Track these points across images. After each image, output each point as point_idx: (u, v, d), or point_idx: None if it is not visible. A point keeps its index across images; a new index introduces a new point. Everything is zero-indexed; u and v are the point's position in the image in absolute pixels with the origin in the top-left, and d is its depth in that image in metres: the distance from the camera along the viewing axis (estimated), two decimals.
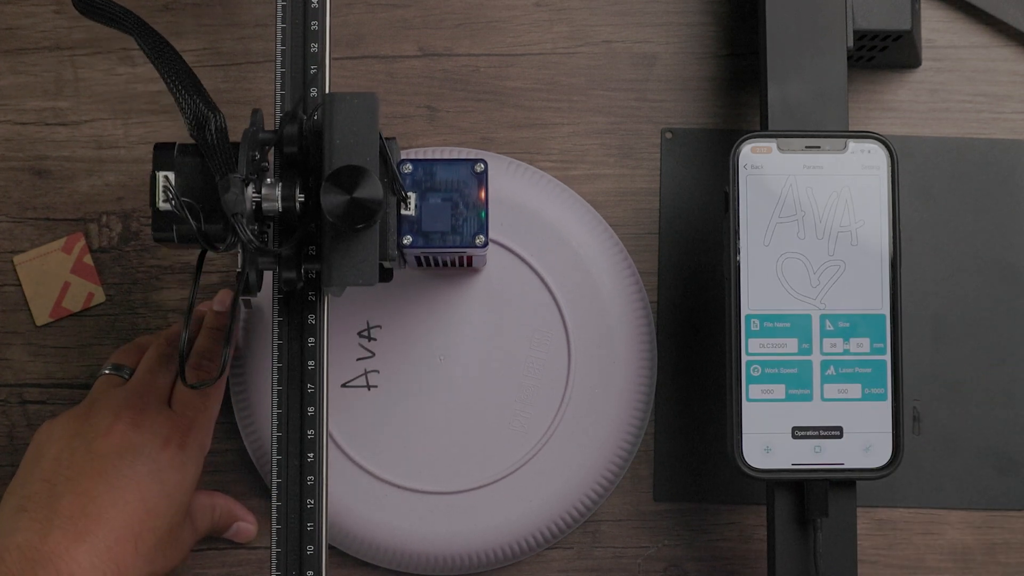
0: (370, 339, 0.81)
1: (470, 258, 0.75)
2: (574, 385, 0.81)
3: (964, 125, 0.84)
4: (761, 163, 0.75)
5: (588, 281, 0.81)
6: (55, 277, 0.84)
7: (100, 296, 0.84)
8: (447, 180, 0.72)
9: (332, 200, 0.66)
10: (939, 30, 0.85)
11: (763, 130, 0.77)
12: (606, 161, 0.84)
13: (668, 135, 0.84)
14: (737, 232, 0.74)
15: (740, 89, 0.85)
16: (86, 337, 0.84)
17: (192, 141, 0.69)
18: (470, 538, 0.80)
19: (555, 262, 0.81)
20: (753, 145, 0.75)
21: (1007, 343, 0.83)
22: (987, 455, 0.82)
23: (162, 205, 0.68)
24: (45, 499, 0.72)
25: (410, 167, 0.71)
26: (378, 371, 0.81)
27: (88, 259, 0.84)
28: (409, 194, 0.71)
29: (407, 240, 0.71)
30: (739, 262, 0.74)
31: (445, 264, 0.77)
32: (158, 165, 0.69)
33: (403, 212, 0.71)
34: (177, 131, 0.84)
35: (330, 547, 0.82)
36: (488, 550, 0.81)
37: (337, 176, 0.66)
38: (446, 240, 0.71)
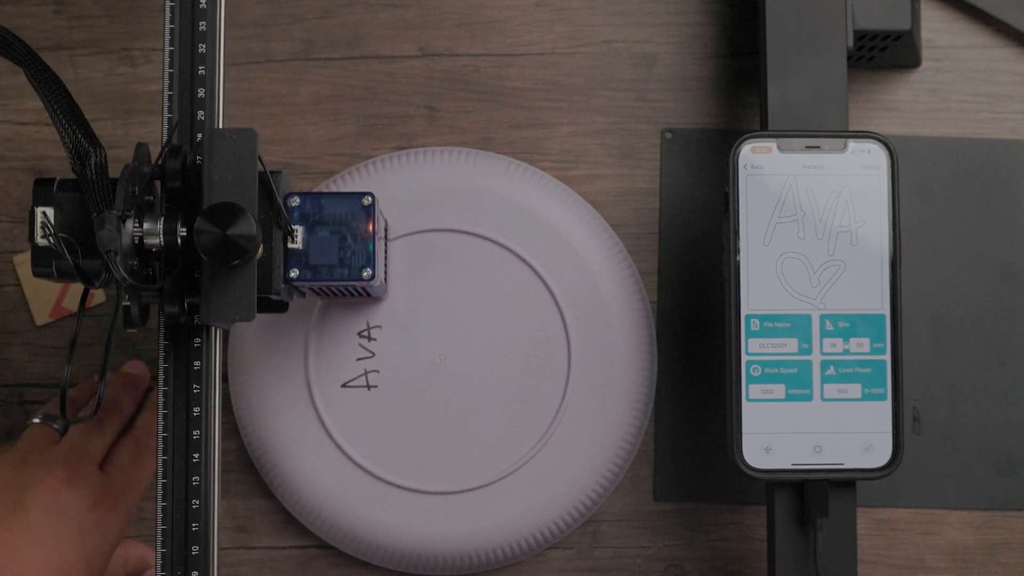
0: (370, 339, 0.81)
1: (366, 289, 0.75)
2: (574, 385, 0.81)
3: (964, 125, 0.84)
4: (761, 163, 0.75)
5: (588, 281, 0.81)
6: None
7: (100, 296, 0.84)
8: (335, 213, 0.72)
9: (205, 237, 0.66)
10: (939, 30, 0.85)
11: (763, 130, 0.77)
12: (606, 161, 0.84)
13: (668, 135, 0.84)
14: (737, 232, 0.74)
15: (740, 89, 0.85)
16: (86, 337, 0.84)
17: (73, 176, 0.69)
18: (470, 538, 0.80)
19: (555, 262, 0.81)
20: (753, 145, 0.75)
21: (1007, 343, 0.83)
22: (987, 455, 0.82)
23: (40, 241, 0.69)
24: None
25: (297, 200, 0.72)
26: (378, 371, 0.81)
27: None
28: (295, 227, 0.71)
29: (294, 273, 0.71)
30: (739, 262, 0.74)
31: (342, 294, 0.77)
32: (37, 201, 0.69)
33: (290, 245, 0.71)
34: None
35: (329, 547, 0.82)
36: (488, 550, 0.81)
37: (210, 213, 0.66)
38: (333, 273, 0.71)
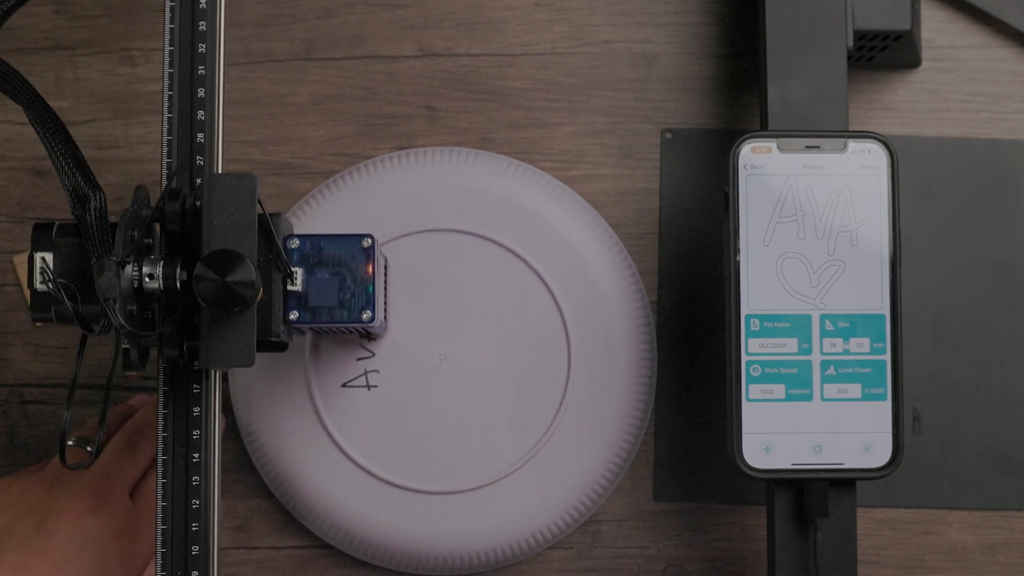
0: (370, 339, 0.81)
1: (366, 329, 0.75)
2: (574, 385, 0.81)
3: (964, 125, 0.84)
4: (761, 163, 0.75)
5: (588, 281, 0.81)
6: None
7: None
8: (334, 255, 0.72)
9: (205, 285, 0.65)
10: (939, 30, 0.85)
11: (763, 130, 0.77)
12: (606, 161, 0.84)
13: (668, 135, 0.84)
14: (737, 232, 0.74)
15: (740, 89, 0.85)
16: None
17: (72, 219, 0.69)
18: (470, 538, 0.80)
19: (555, 262, 0.81)
20: (753, 145, 0.75)
21: (1007, 343, 0.83)
22: (987, 455, 0.82)
23: (39, 287, 0.69)
24: None
25: (297, 242, 0.71)
26: (378, 371, 0.81)
27: None
28: (295, 270, 0.71)
29: (294, 315, 0.71)
30: (739, 262, 0.74)
31: (342, 332, 0.77)
32: (36, 246, 0.69)
33: (289, 288, 0.71)
34: None
35: (329, 547, 0.82)
36: (488, 550, 0.81)
37: (209, 260, 0.66)
38: (333, 316, 0.71)
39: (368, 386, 0.81)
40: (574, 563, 0.83)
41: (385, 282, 0.77)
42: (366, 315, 0.72)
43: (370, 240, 0.72)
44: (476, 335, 0.81)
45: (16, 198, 0.85)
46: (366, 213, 0.81)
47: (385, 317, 0.77)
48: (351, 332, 0.77)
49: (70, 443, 0.78)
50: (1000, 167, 0.84)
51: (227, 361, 0.67)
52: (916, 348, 0.82)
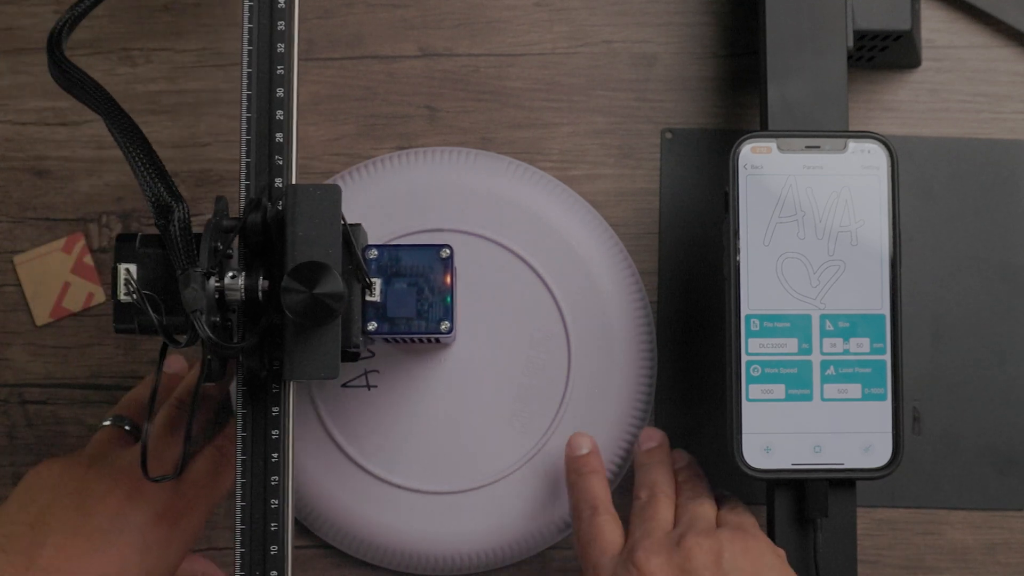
0: (370, 339, 0.81)
1: (437, 337, 0.75)
2: (574, 385, 0.81)
3: (964, 125, 0.84)
4: (761, 163, 0.75)
5: (588, 281, 0.81)
6: (55, 277, 0.84)
7: (100, 296, 0.84)
8: (412, 265, 0.72)
9: (293, 297, 0.66)
10: (939, 30, 0.85)
11: (763, 130, 0.77)
12: (606, 161, 0.84)
13: (668, 135, 0.84)
14: (737, 232, 0.74)
15: (740, 89, 0.85)
16: (86, 337, 0.84)
17: (155, 231, 0.69)
18: (471, 538, 0.80)
19: (555, 262, 0.81)
20: (753, 145, 0.75)
21: (1007, 343, 0.83)
22: (987, 455, 0.82)
23: (123, 298, 0.69)
24: (26, 545, 0.70)
25: (375, 252, 0.72)
26: (378, 371, 0.81)
27: (88, 259, 0.84)
28: (374, 280, 0.71)
29: (372, 326, 0.71)
30: (739, 262, 0.74)
31: (412, 342, 0.77)
32: (120, 257, 0.69)
33: (368, 298, 0.71)
34: (177, 132, 0.84)
35: (330, 547, 0.82)
36: (488, 550, 0.81)
37: (297, 272, 0.66)
38: (411, 326, 0.71)
39: (368, 386, 0.81)
40: (574, 563, 0.83)
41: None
42: (444, 326, 0.72)
43: (448, 251, 0.72)
44: (476, 335, 0.81)
45: (16, 198, 0.85)
46: (365, 213, 0.81)
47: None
48: (421, 341, 0.77)
49: (106, 423, 0.77)
50: (1000, 167, 0.84)
51: (311, 373, 0.67)
52: (916, 348, 0.82)
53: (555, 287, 0.81)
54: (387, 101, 0.85)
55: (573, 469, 0.77)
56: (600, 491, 0.76)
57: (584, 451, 0.77)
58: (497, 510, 0.80)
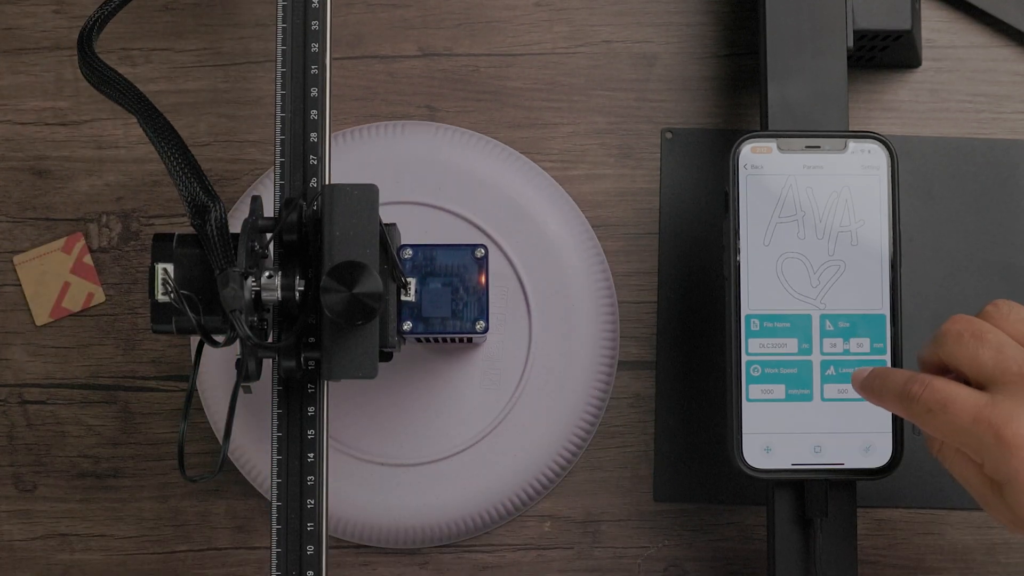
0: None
1: (470, 336, 0.75)
2: (537, 337, 0.80)
3: (964, 125, 0.84)
4: (761, 163, 0.75)
5: (537, 229, 0.81)
6: (55, 277, 0.84)
7: (100, 296, 0.84)
8: (447, 265, 0.72)
9: (332, 297, 0.66)
10: (939, 30, 0.85)
11: (763, 130, 0.77)
12: (606, 161, 0.84)
13: (668, 135, 0.84)
14: (737, 232, 0.74)
15: (740, 89, 0.85)
16: (86, 337, 0.84)
17: (191, 230, 0.69)
18: (455, 505, 0.80)
19: (502, 217, 0.81)
20: (753, 145, 0.75)
21: None
22: None
23: (161, 298, 0.68)
24: None
25: (410, 252, 0.72)
26: None
27: (88, 259, 0.84)
28: (409, 280, 0.71)
29: (407, 326, 0.71)
30: (739, 262, 0.74)
31: (445, 341, 0.77)
32: (157, 257, 0.68)
33: (403, 298, 0.71)
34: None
35: (331, 547, 0.82)
36: (474, 514, 0.80)
37: (336, 272, 0.66)
38: (446, 326, 0.71)
39: None
40: (574, 563, 0.83)
41: None
42: (480, 325, 0.72)
43: (483, 250, 0.72)
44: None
45: (16, 198, 0.85)
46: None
47: None
48: (457, 341, 0.77)
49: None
50: (1000, 167, 0.84)
51: (349, 372, 0.67)
52: (916, 348, 0.82)
53: (502, 240, 0.81)
54: (387, 101, 0.85)
55: (875, 387, 0.68)
56: (901, 371, 0.67)
57: (866, 374, 0.68)
58: (478, 473, 0.80)
